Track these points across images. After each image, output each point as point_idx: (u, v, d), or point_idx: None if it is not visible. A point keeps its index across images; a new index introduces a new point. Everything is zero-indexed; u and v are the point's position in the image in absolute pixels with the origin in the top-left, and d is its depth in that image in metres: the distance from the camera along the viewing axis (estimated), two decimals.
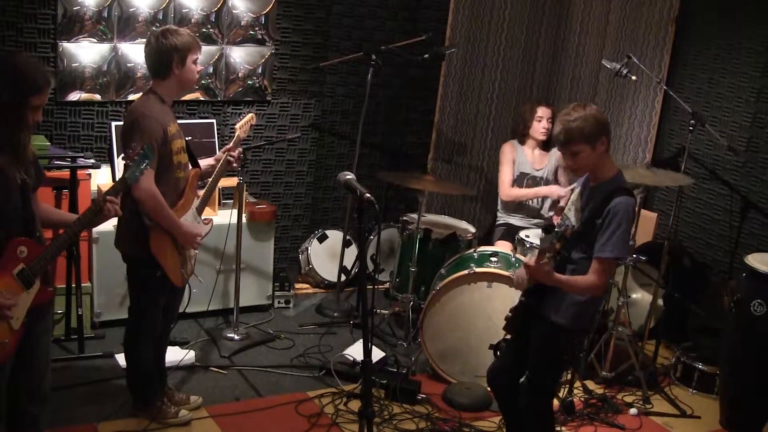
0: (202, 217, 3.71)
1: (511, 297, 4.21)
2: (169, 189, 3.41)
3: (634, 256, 4.38)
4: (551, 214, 5.05)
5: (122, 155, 3.44)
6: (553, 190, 5.02)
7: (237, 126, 3.97)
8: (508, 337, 3.36)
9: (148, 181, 3.24)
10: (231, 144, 3.81)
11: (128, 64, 4.83)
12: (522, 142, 5.19)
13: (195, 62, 3.42)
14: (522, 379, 3.26)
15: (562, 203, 4.96)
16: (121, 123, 4.69)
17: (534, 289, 3.15)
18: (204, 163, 3.75)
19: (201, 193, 3.71)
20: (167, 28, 3.44)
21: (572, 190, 3.27)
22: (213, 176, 3.73)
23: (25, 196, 2.71)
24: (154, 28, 4.77)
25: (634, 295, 5.00)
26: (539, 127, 5.08)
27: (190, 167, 3.60)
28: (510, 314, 3.26)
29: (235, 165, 3.81)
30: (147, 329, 3.61)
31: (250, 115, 4.08)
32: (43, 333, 2.88)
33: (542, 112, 5.08)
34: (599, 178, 3.09)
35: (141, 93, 4.77)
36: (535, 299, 3.15)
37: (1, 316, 2.60)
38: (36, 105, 2.65)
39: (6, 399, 2.79)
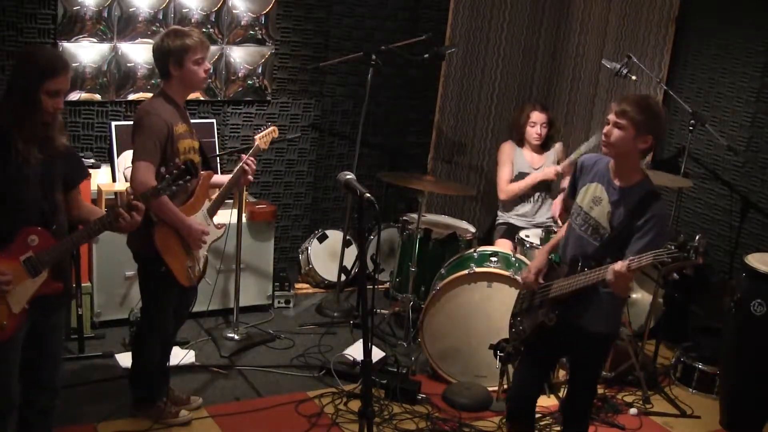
0: (215, 221, 3.70)
1: (511, 297, 4.20)
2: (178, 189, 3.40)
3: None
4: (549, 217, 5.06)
5: (130, 156, 3.43)
6: (547, 171, 5.01)
7: (257, 137, 3.95)
8: (506, 337, 3.37)
9: (146, 174, 3.23)
10: (249, 153, 3.80)
11: (128, 64, 4.83)
12: (520, 144, 5.19)
13: (198, 63, 3.40)
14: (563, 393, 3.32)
15: (560, 169, 4.96)
16: (121, 123, 4.73)
17: (563, 303, 3.11)
18: (222, 179, 3.75)
19: (214, 196, 3.70)
20: (170, 29, 3.45)
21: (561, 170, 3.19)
22: (228, 181, 3.73)
23: (47, 187, 2.72)
24: (153, 28, 4.78)
25: (634, 295, 4.99)
26: (532, 132, 5.08)
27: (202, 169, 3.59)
28: (523, 329, 3.26)
29: (250, 178, 3.79)
30: (155, 329, 3.61)
31: (273, 128, 4.06)
32: (55, 327, 2.92)
33: (536, 117, 5.07)
34: (627, 179, 3.03)
35: (141, 93, 4.84)
36: (571, 313, 3.10)
37: None
38: (52, 90, 2.64)
39: (19, 391, 2.82)
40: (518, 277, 4.03)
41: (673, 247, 2.70)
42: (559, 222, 4.85)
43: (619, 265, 2.81)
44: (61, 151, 2.76)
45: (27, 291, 2.71)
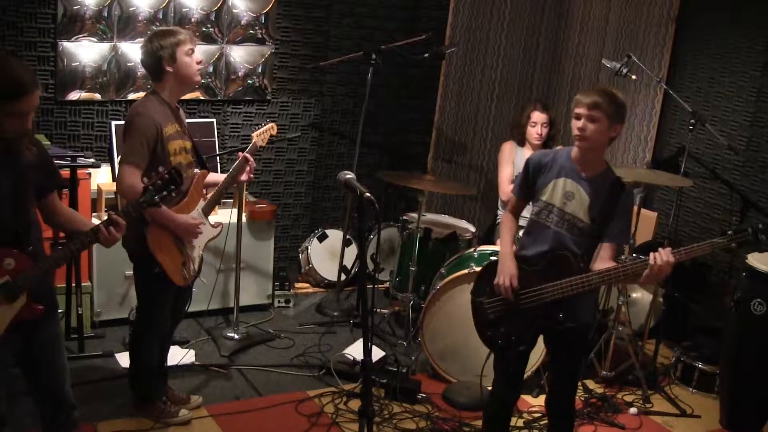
0: (212, 221, 3.69)
1: None
2: None
3: (634, 255, 4.38)
4: None
5: (119, 156, 3.40)
6: None
7: (255, 134, 3.94)
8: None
9: (132, 177, 3.22)
10: (247, 150, 3.79)
11: (128, 64, 4.83)
12: (521, 144, 5.19)
13: (189, 54, 3.38)
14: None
15: None
16: (121, 122, 4.73)
17: (561, 302, 3.09)
18: (219, 177, 3.74)
19: (209, 195, 3.69)
20: (155, 31, 3.44)
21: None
22: (224, 179, 3.71)
23: (19, 203, 2.58)
24: (154, 27, 4.78)
25: (634, 295, 5.00)
26: (533, 132, 5.08)
27: (197, 168, 3.58)
28: (515, 339, 3.20)
29: (249, 176, 3.75)
30: (152, 329, 3.61)
31: (271, 124, 4.05)
32: (52, 340, 2.80)
33: (537, 117, 5.07)
34: (594, 169, 3.08)
35: (141, 92, 4.83)
36: (567, 310, 3.10)
37: None
38: (16, 112, 2.46)
39: (40, 415, 2.82)
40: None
41: (731, 233, 2.86)
42: None
43: (667, 256, 2.84)
44: (31, 161, 2.60)
45: (4, 318, 2.57)
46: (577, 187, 3.08)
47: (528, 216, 5.11)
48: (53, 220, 2.82)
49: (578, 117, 3.03)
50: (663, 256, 2.85)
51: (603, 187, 3.05)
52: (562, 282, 3.04)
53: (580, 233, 3.06)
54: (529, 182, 3.22)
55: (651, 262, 2.86)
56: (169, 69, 3.36)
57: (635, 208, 4.43)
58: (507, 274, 3.17)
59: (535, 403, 4.18)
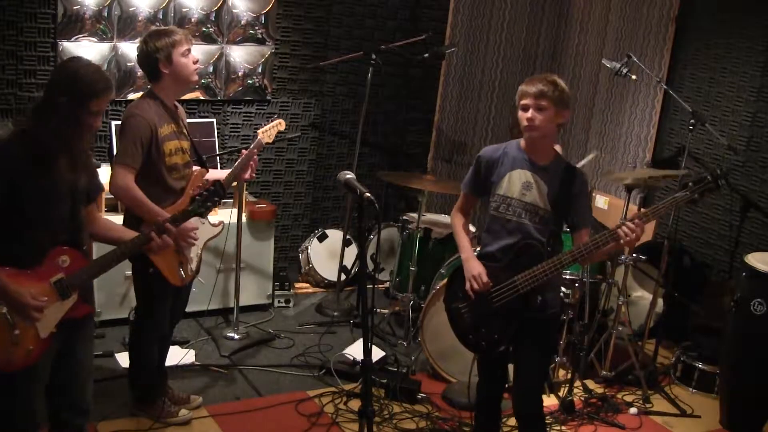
0: (213, 219, 3.68)
1: None
2: (164, 189, 3.37)
3: (634, 255, 4.39)
4: None
5: (114, 158, 3.39)
6: None
7: (259, 131, 3.92)
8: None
9: (124, 177, 3.22)
10: (251, 147, 3.77)
11: (128, 64, 4.83)
12: None
13: (185, 55, 3.37)
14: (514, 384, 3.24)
15: None
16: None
17: (539, 290, 3.07)
18: (220, 174, 3.72)
19: None
20: (150, 31, 3.44)
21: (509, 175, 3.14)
22: (225, 177, 3.71)
23: (75, 204, 2.65)
24: (153, 28, 4.77)
25: (634, 295, 5.00)
26: None
27: (195, 167, 3.57)
28: (500, 337, 3.14)
29: (249, 175, 3.75)
30: (151, 329, 3.61)
31: (279, 120, 4.03)
32: (84, 346, 2.83)
33: None
34: (547, 156, 3.10)
35: (141, 92, 4.83)
36: (539, 297, 3.08)
37: (28, 316, 2.53)
38: (94, 110, 2.58)
39: (50, 412, 2.80)
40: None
41: (691, 184, 2.90)
42: None
43: (633, 221, 2.87)
44: (87, 168, 2.70)
45: (56, 314, 2.61)
46: (534, 177, 3.08)
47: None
48: (91, 228, 2.84)
49: (525, 108, 3.04)
50: (630, 224, 2.88)
51: (557, 174, 3.07)
52: (534, 269, 3.02)
53: (541, 221, 3.06)
54: (481, 178, 3.21)
55: (620, 233, 2.89)
56: (165, 70, 3.35)
57: (634, 207, 4.44)
58: (475, 273, 3.12)
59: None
